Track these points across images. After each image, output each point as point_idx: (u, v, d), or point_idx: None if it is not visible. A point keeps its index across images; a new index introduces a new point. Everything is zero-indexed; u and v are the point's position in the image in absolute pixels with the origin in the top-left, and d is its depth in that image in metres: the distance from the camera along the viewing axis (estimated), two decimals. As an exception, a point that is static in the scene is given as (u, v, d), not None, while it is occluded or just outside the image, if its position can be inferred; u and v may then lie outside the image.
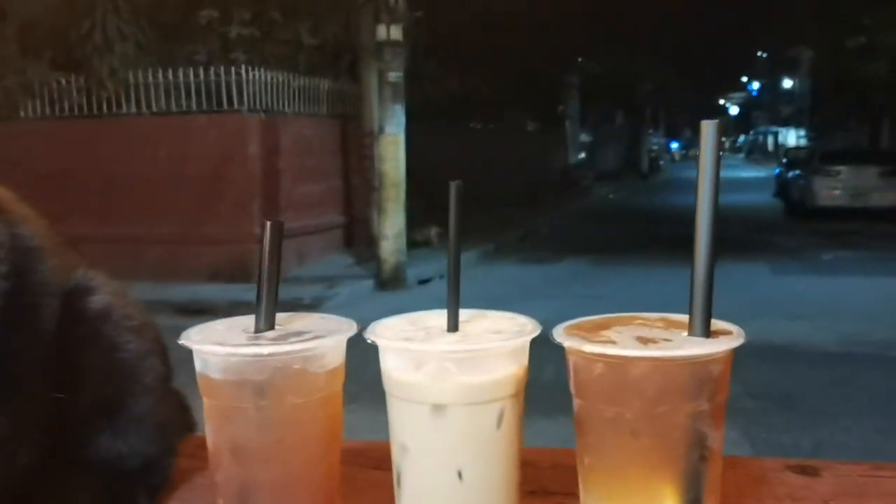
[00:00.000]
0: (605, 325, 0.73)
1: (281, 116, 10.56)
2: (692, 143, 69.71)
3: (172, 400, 0.97)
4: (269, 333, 0.77)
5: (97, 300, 0.89)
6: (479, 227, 12.73)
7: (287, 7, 10.88)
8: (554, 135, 25.50)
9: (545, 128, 24.33)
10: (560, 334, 0.71)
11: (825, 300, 8.59)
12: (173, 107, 10.25)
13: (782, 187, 21.28)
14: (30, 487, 0.84)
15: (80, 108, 10.53)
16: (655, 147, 47.47)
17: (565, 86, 24.41)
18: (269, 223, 0.77)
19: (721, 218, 0.69)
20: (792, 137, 50.28)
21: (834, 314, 7.84)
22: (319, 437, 0.78)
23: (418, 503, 0.75)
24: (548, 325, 0.74)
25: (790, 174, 19.99)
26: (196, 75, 10.11)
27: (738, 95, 74.19)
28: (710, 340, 0.68)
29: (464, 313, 0.79)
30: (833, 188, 17.06)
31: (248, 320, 0.79)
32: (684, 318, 0.71)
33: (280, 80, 10.51)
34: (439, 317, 0.79)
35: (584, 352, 0.68)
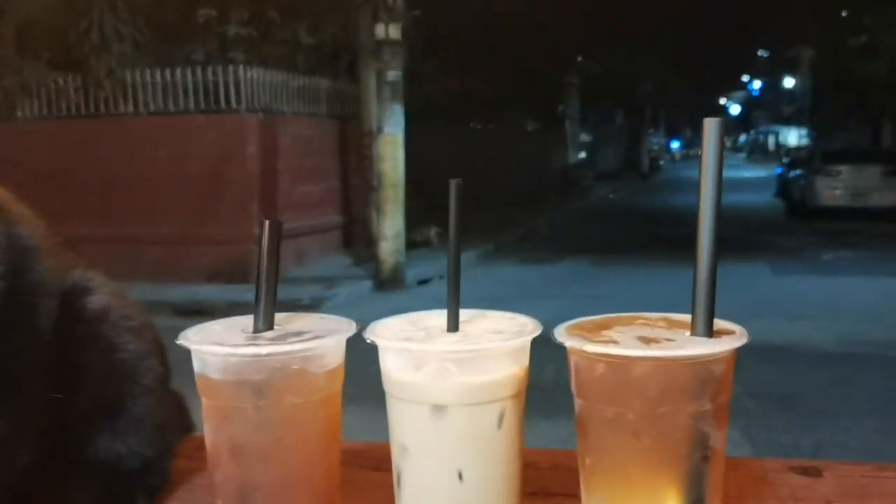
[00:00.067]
0: (606, 325, 0.73)
1: (279, 116, 10.56)
2: (693, 142, 69.75)
3: (171, 400, 0.97)
4: (268, 333, 0.77)
5: (95, 300, 0.89)
6: (479, 227, 12.73)
7: (285, 6, 10.88)
8: (554, 135, 25.51)
9: (545, 128, 24.34)
10: (561, 334, 0.70)
11: (825, 300, 8.59)
12: (171, 107, 10.24)
13: (784, 187, 21.28)
14: (29, 488, 0.84)
15: (78, 108, 10.53)
16: (656, 147, 47.49)
17: (565, 86, 24.42)
18: (267, 223, 0.77)
19: (722, 218, 0.68)
20: (793, 137, 50.31)
21: (834, 314, 7.84)
22: (319, 437, 0.77)
23: (418, 504, 0.75)
24: (548, 325, 0.74)
25: (791, 174, 20.00)
26: (194, 75, 10.10)
27: (739, 95, 74.24)
28: (712, 340, 0.68)
29: (464, 313, 0.79)
30: (834, 188, 17.07)
31: (247, 320, 0.79)
32: (686, 317, 0.71)
33: (278, 79, 10.51)
34: (439, 317, 0.78)
35: (585, 352, 0.67)
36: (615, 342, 0.68)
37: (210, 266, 9.82)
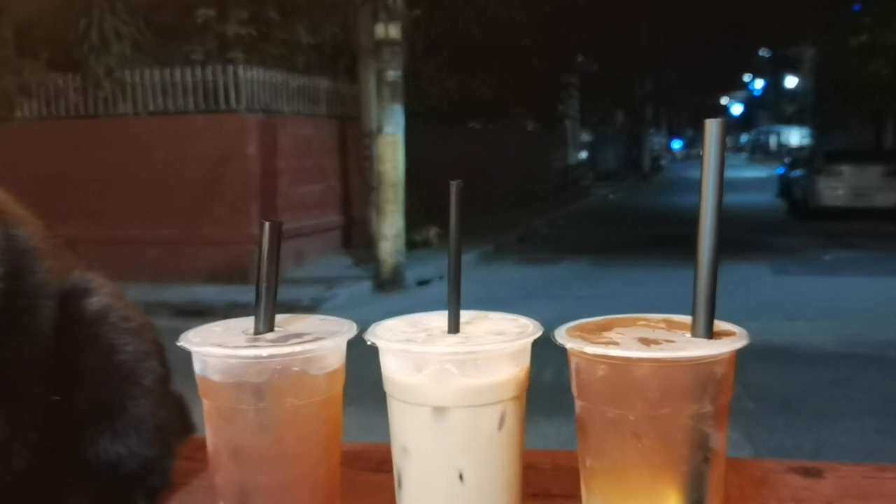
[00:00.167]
0: (607, 327, 0.73)
1: (279, 116, 10.55)
2: (694, 142, 69.70)
3: (171, 401, 0.97)
4: (269, 335, 0.77)
5: (95, 302, 0.89)
6: (479, 228, 12.73)
7: (285, 6, 10.87)
8: (554, 135, 25.48)
9: (545, 128, 24.31)
10: (562, 336, 0.70)
11: (826, 300, 8.58)
12: (170, 107, 10.23)
13: (785, 187, 21.26)
14: (29, 489, 0.84)
15: (77, 108, 10.52)
16: (657, 146, 47.47)
17: (565, 86, 24.36)
18: (267, 223, 0.77)
19: (723, 218, 0.68)
20: (795, 137, 50.28)
21: (835, 314, 7.84)
22: (319, 439, 0.77)
23: (419, 506, 0.75)
24: (548, 326, 0.73)
25: (793, 174, 19.99)
26: (193, 75, 10.09)
27: (741, 94, 74.20)
28: (713, 342, 0.68)
29: (465, 315, 0.78)
30: (836, 188, 17.06)
31: (248, 322, 0.79)
32: (687, 319, 0.71)
33: (278, 79, 10.50)
34: (440, 318, 0.78)
35: (586, 353, 0.67)
36: (616, 344, 0.68)
37: (209, 267, 9.81)
